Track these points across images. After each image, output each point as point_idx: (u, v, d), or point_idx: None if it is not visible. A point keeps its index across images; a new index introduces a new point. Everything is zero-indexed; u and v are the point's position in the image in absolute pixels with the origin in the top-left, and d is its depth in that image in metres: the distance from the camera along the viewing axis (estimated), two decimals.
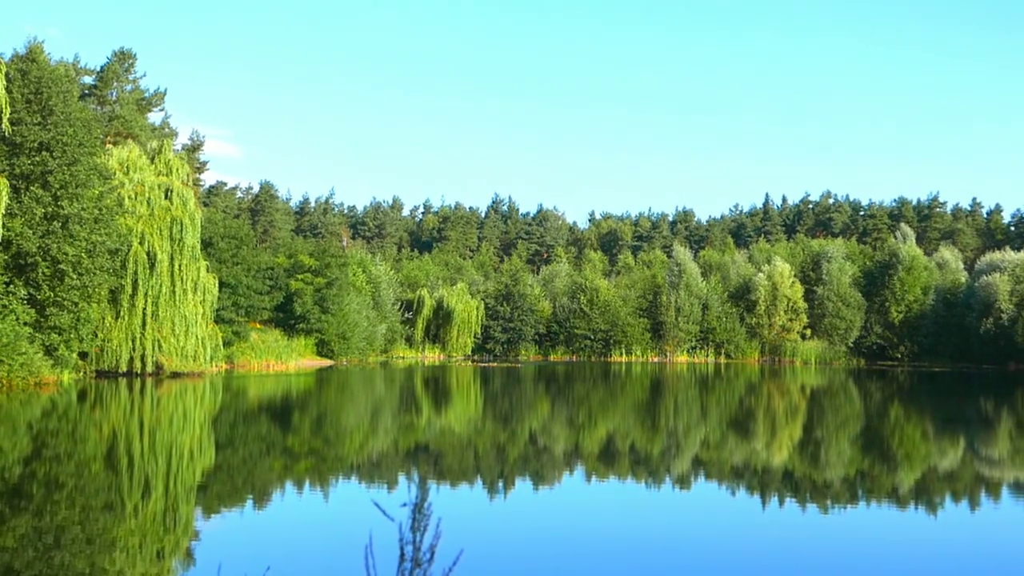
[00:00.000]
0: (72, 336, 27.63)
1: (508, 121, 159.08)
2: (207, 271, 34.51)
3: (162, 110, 52.91)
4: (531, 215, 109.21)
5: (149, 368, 31.36)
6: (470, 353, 66.19)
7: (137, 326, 30.86)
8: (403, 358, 61.09)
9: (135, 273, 30.79)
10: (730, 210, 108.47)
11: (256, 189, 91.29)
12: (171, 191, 33.12)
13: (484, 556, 8.67)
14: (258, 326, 44.48)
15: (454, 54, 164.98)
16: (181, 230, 32.13)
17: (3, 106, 24.40)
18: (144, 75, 53.98)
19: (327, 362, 48.94)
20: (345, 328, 50.16)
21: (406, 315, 63.94)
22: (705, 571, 8.67)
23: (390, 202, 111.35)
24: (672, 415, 25.86)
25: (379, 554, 2.64)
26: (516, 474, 14.60)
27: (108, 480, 12.69)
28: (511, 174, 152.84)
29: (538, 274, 79.89)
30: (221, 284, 36.65)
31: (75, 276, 26.75)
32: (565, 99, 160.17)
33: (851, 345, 70.84)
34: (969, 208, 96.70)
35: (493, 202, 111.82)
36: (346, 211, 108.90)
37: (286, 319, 47.38)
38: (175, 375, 32.20)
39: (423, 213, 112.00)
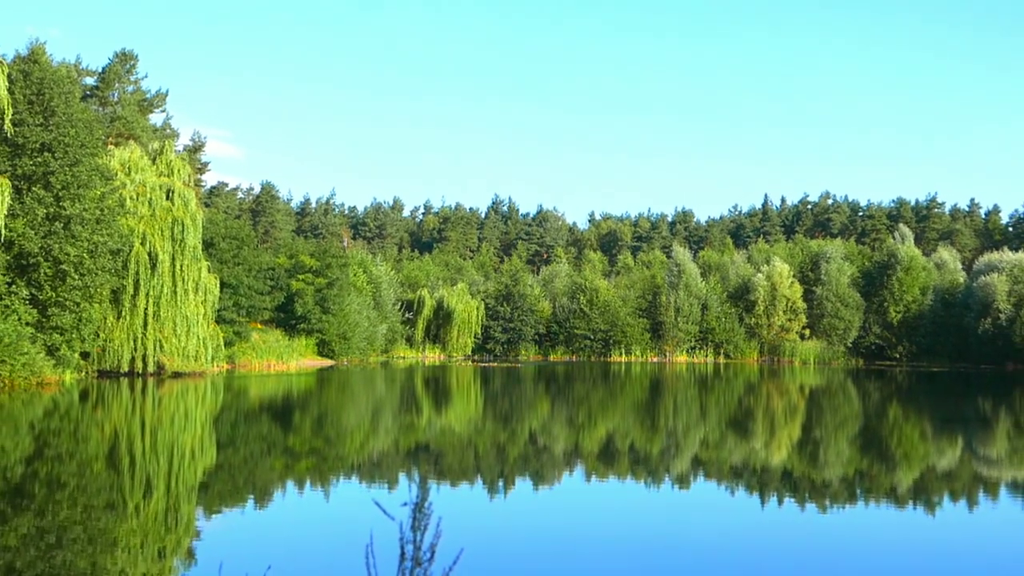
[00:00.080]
0: (74, 336, 27.70)
1: (508, 122, 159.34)
2: (208, 271, 34.58)
3: (163, 111, 52.99)
4: (531, 216, 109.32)
5: (151, 368, 31.44)
6: (470, 353, 66.25)
7: (139, 326, 30.94)
8: (404, 358, 61.15)
9: (137, 273, 30.87)
10: (729, 211, 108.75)
11: (257, 190, 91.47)
12: (172, 192, 33.20)
13: (484, 555, 8.70)
14: (259, 326, 44.56)
15: (454, 55, 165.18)
16: (182, 231, 32.20)
17: (5, 107, 24.48)
18: (146, 76, 54.16)
19: (328, 362, 49.01)
20: (346, 328, 50.24)
21: (407, 315, 64.02)
22: (704, 571, 8.70)
23: (391, 203, 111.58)
24: (671, 415, 25.91)
25: (380, 553, 2.68)
26: (516, 474, 14.64)
27: (110, 479, 12.73)
28: (511, 175, 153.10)
29: (538, 274, 79.97)
30: (222, 284, 36.72)
31: (77, 276, 26.82)
32: (565, 100, 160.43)
33: (850, 345, 70.90)
34: (967, 209, 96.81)
35: (493, 203, 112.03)
36: (347, 212, 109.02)
37: (287, 319, 47.45)
38: (176, 375, 32.26)
39: (423, 214, 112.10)
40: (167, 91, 52.77)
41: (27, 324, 25.83)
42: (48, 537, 8.87)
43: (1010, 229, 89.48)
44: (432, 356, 64.59)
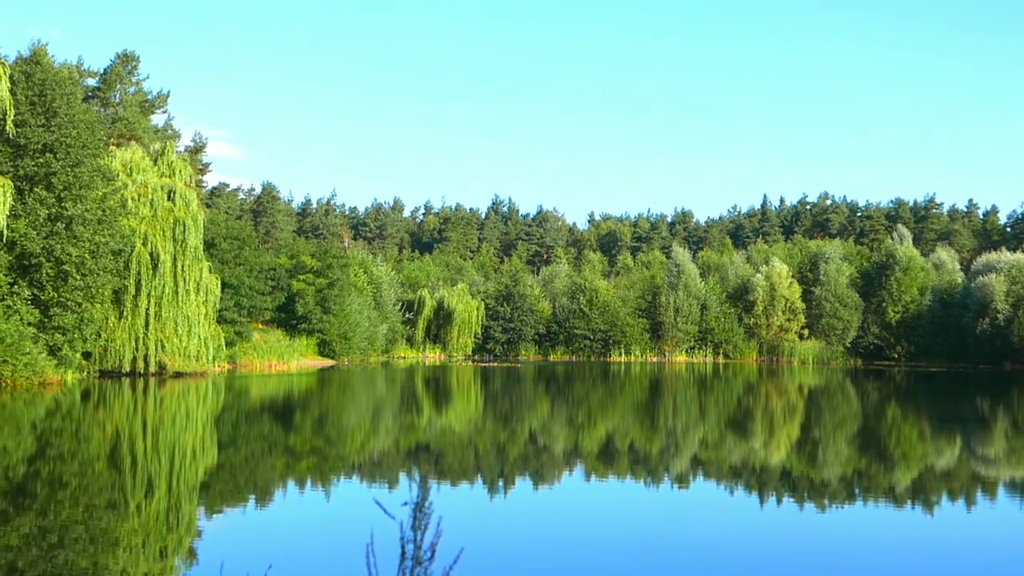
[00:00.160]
0: (76, 336, 27.76)
1: (508, 123, 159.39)
2: (210, 272, 34.64)
3: (165, 112, 53.03)
4: (531, 216, 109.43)
5: (152, 368, 31.50)
6: (470, 353, 66.31)
7: (140, 326, 31.01)
8: (404, 358, 61.20)
9: (138, 274, 30.94)
10: (728, 211, 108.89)
11: (258, 190, 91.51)
12: (174, 192, 33.26)
13: (484, 555, 8.72)
14: (260, 326, 44.63)
15: (455, 56, 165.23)
16: (184, 231, 32.26)
17: (7, 108, 24.54)
18: (147, 77, 54.06)
19: (329, 362, 49.06)
20: (347, 328, 50.31)
21: (407, 315, 64.09)
22: (704, 570, 8.73)
23: (391, 203, 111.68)
24: (671, 415, 25.95)
25: (380, 552, 2.69)
26: (516, 473, 14.68)
27: (111, 479, 12.75)
28: (511, 175, 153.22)
29: (538, 275, 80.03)
30: (223, 285, 36.78)
31: (79, 277, 26.89)
32: (565, 101, 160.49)
33: (848, 345, 70.97)
34: (965, 209, 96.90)
35: (493, 203, 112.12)
36: (347, 212, 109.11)
37: (288, 319, 47.52)
38: (178, 375, 32.32)
39: (424, 214, 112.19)
40: (168, 92, 52.83)
41: (29, 324, 25.88)
42: (50, 536, 8.89)
43: (1008, 229, 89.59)
44: (432, 356, 64.65)
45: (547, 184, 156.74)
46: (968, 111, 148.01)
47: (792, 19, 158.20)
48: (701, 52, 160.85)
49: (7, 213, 24.35)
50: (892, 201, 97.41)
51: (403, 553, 2.63)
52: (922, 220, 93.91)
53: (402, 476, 13.83)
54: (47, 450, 15.32)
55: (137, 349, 31.11)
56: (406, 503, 2.68)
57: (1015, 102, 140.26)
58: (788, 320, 70.09)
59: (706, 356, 70.18)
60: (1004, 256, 66.65)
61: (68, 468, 13.57)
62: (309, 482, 13.59)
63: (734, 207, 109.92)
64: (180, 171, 34.89)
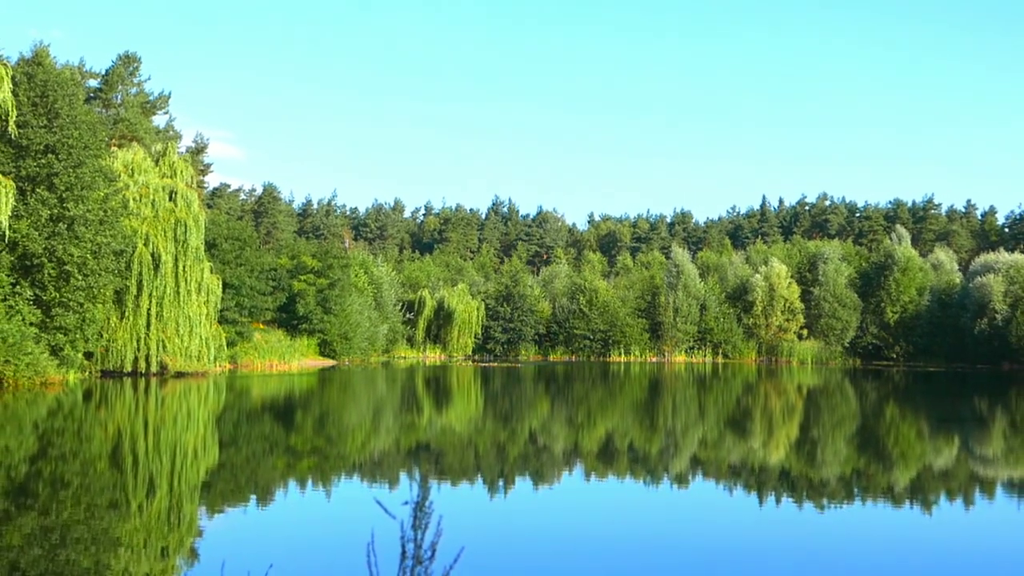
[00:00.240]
0: (77, 336, 27.83)
1: (508, 124, 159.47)
2: (211, 272, 34.72)
3: (166, 113, 53.12)
4: (531, 217, 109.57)
5: (153, 368, 31.57)
6: (471, 353, 66.37)
7: (142, 326, 31.09)
8: (404, 358, 61.27)
9: (140, 274, 31.01)
10: (727, 212, 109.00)
11: (259, 191, 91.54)
12: (175, 193, 33.33)
13: (485, 554, 8.76)
14: (261, 326, 44.70)
15: (455, 57, 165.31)
16: (185, 232, 32.34)
17: (9, 109, 24.61)
18: (149, 78, 54.21)
19: (329, 362, 49.13)
20: (347, 328, 50.39)
21: (407, 316, 64.16)
22: (703, 569, 8.76)
23: (391, 204, 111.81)
24: (670, 414, 26.01)
25: (381, 552, 2.71)
26: (516, 473, 14.72)
27: (113, 479, 12.78)
28: (511, 176, 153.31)
29: (538, 275, 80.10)
30: (225, 285, 36.86)
31: (80, 277, 26.96)
32: (564, 101, 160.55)
33: (847, 345, 71.04)
34: (964, 210, 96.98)
35: (493, 204, 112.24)
36: (348, 213, 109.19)
37: (289, 319, 47.60)
38: (179, 375, 32.37)
39: (424, 215, 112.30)
40: (170, 93, 52.92)
41: (31, 324, 25.94)
42: (52, 536, 8.91)
43: (1006, 230, 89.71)
44: (433, 356, 64.72)
45: (547, 185, 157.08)
46: (967, 112, 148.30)
47: (791, 20, 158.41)
48: (701, 53, 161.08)
49: (9, 214, 24.42)
50: (891, 202, 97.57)
51: (404, 552, 2.64)
52: (920, 221, 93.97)
53: (403, 476, 13.87)
54: (49, 450, 15.36)
55: (139, 349, 31.19)
56: (407, 502, 2.69)
57: (1014, 103, 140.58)
58: (787, 320, 70.17)
59: (705, 356, 70.25)
60: (1002, 256, 66.71)
61: (70, 468, 13.61)
62: (310, 482, 13.62)
63: (733, 208, 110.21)
64: (181, 172, 34.98)
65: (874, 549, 9.64)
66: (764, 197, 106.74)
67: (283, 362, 43.93)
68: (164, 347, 31.76)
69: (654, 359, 69.20)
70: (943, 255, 74.25)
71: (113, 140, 38.53)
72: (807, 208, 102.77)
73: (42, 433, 17.39)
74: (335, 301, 49.17)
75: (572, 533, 10.29)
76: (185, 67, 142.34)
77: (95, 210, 27.48)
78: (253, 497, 12.14)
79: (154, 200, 32.55)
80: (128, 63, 48.69)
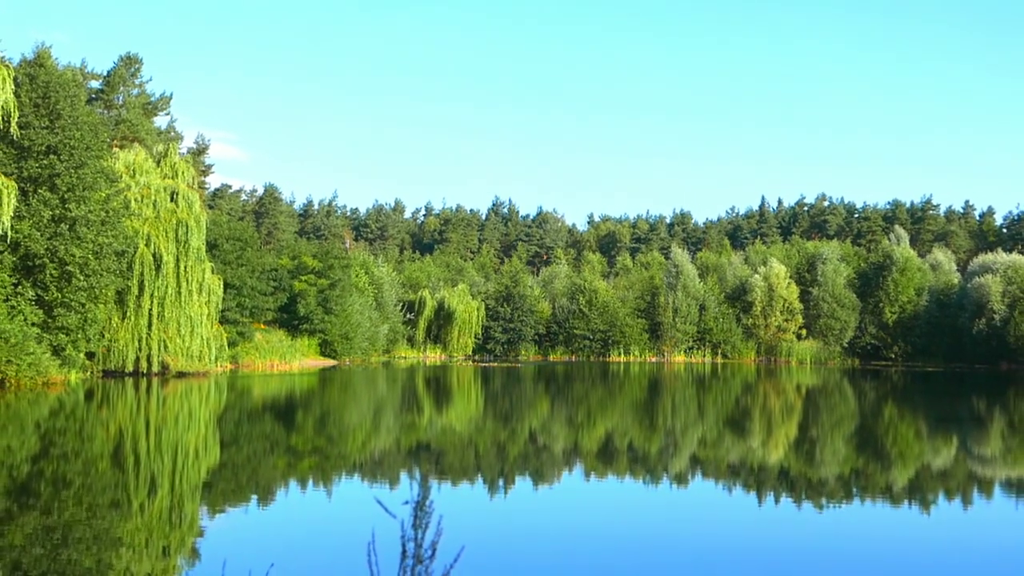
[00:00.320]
0: (79, 336, 27.90)
1: (508, 124, 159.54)
2: (212, 272, 34.80)
3: (168, 114, 53.18)
4: (531, 217, 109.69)
5: (155, 368, 31.64)
6: (471, 353, 66.45)
7: (143, 327, 31.16)
8: (405, 358, 61.34)
9: (141, 274, 31.09)
10: (727, 212, 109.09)
11: (260, 192, 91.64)
12: (177, 194, 33.41)
13: (485, 553, 8.79)
14: (262, 327, 44.78)
15: (455, 60, 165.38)
16: (186, 232, 32.41)
17: (12, 110, 24.68)
18: (150, 80, 54.31)
19: (330, 362, 49.20)
20: (348, 328, 50.47)
21: (408, 316, 64.24)
22: (703, 568, 8.80)
23: (392, 204, 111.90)
24: (670, 414, 26.07)
25: (381, 551, 2.71)
26: (516, 472, 14.77)
27: (115, 478, 12.81)
28: (511, 177, 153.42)
29: (538, 275, 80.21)
30: (226, 285, 36.94)
31: (82, 277, 27.04)
32: (564, 103, 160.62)
33: (846, 345, 71.14)
34: (962, 210, 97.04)
35: (493, 204, 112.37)
36: (349, 213, 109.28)
37: (290, 320, 47.69)
38: (180, 375, 32.44)
39: (425, 215, 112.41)
40: (171, 94, 52.99)
41: (33, 324, 26.02)
42: (54, 535, 8.94)
43: (1004, 231, 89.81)
44: (433, 356, 64.79)
45: (547, 185, 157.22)
46: (965, 113, 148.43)
47: (790, 22, 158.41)
48: (700, 54, 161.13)
49: (12, 214, 24.49)
50: (889, 202, 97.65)
51: (404, 551, 2.64)
52: (919, 221, 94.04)
53: (403, 475, 13.91)
54: (51, 449, 15.40)
55: (140, 349, 31.27)
56: (407, 502, 2.69)
57: (1012, 104, 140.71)
58: (786, 320, 70.26)
59: (704, 356, 70.33)
60: (1000, 257, 66.80)
61: (72, 467, 13.64)
62: (311, 481, 13.66)
63: (732, 208, 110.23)
64: (183, 173, 35.07)
65: (873, 548, 9.67)
66: (763, 198, 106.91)
67: (284, 362, 44.01)
68: (165, 347, 31.84)
69: (653, 359, 69.27)
70: (941, 255, 74.35)
71: (115, 141, 38.61)
72: (806, 209, 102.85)
73: (44, 433, 17.43)
74: (336, 301, 49.26)
75: (572, 532, 10.33)
76: (186, 68, 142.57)
77: (97, 211, 27.56)
78: (254, 496, 12.18)
79: (155, 201, 32.62)
80: (130, 64, 48.76)
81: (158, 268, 31.51)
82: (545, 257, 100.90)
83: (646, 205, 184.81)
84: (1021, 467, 17.22)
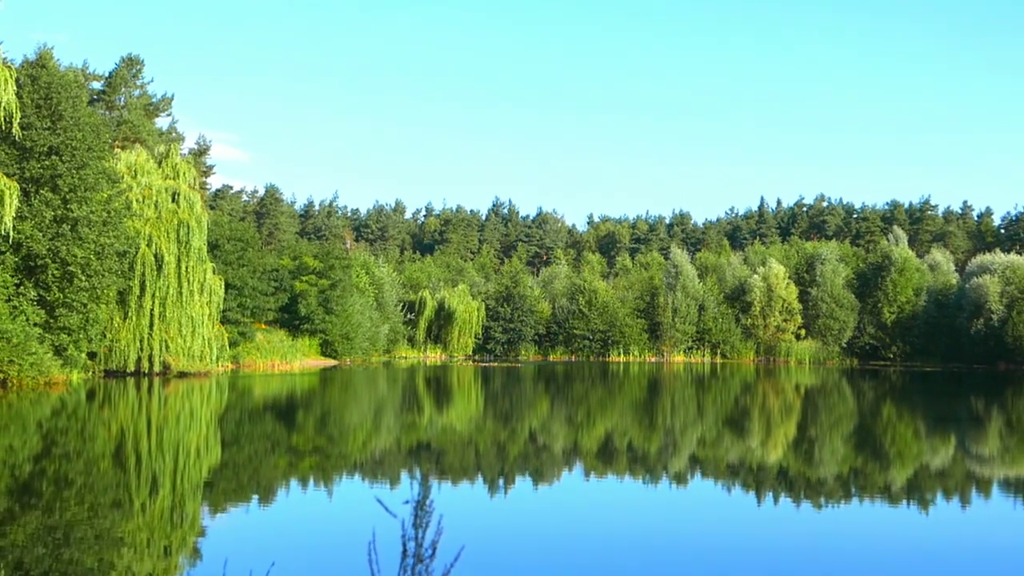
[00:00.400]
0: (81, 336, 27.97)
1: (508, 125, 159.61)
2: (213, 273, 34.87)
3: (169, 115, 53.22)
4: (531, 218, 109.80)
5: (156, 368, 31.71)
6: (471, 353, 66.52)
7: (145, 327, 31.24)
8: (405, 358, 61.41)
9: (143, 275, 31.17)
10: (726, 213, 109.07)
11: (261, 192, 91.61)
12: (178, 194, 33.49)
13: (485, 552, 8.83)
14: (263, 327, 44.86)
15: (455, 60, 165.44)
16: (188, 233, 32.49)
17: (14, 111, 24.73)
18: (152, 81, 54.50)
19: (331, 362, 49.28)
20: (348, 329, 50.54)
21: (408, 316, 64.33)
22: (702, 567, 8.84)
23: (393, 205, 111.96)
24: (669, 414, 26.14)
25: (382, 550, 2.72)
26: (516, 472, 14.84)
27: (116, 478, 12.86)
28: (511, 178, 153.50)
29: (538, 276, 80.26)
30: (227, 285, 37.00)
31: (84, 278, 27.11)
32: (564, 104, 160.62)
33: (844, 345, 71.23)
34: (960, 211, 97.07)
35: (494, 205, 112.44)
36: (349, 214, 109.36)
37: (291, 320, 47.77)
38: (182, 375, 32.51)
39: (425, 216, 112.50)
40: (173, 95, 53.04)
41: (35, 325, 26.09)
42: (56, 534, 8.98)
43: (1002, 231, 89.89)
44: (433, 356, 64.87)
45: (547, 186, 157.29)
46: (963, 114, 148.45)
47: (789, 22, 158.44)
48: (699, 55, 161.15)
49: (13, 215, 24.53)
50: (888, 203, 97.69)
51: (405, 551, 2.65)
52: (917, 222, 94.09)
53: (403, 475, 13.97)
54: (53, 449, 15.46)
55: (142, 349, 31.34)
56: (407, 501, 2.70)
57: (1010, 105, 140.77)
58: (785, 320, 70.36)
59: (704, 356, 70.41)
60: (998, 257, 66.88)
61: (73, 467, 13.70)
62: (312, 480, 13.71)
63: (731, 209, 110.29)
64: (184, 173, 35.15)
65: (871, 547, 9.72)
66: (762, 198, 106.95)
67: (285, 362, 44.10)
68: (167, 347, 31.91)
69: (653, 359, 69.35)
70: (940, 256, 74.43)
71: (116, 142, 38.72)
72: (805, 209, 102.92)
73: (46, 432, 17.49)
74: (336, 302, 49.34)
75: (572, 531, 10.38)
76: (188, 70, 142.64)
77: (98, 211, 27.63)
78: (255, 496, 12.22)
79: (157, 201, 32.69)
80: (131, 65, 48.82)
81: (159, 268, 31.59)
82: (545, 257, 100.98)
83: (645, 205, 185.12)
84: (1019, 466, 17.30)
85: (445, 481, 13.22)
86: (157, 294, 31.44)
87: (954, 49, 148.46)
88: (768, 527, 10.84)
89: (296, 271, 48.73)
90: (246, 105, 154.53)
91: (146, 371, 31.53)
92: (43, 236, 26.40)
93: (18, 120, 25.24)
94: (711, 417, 25.53)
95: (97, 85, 48.00)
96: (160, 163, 34.99)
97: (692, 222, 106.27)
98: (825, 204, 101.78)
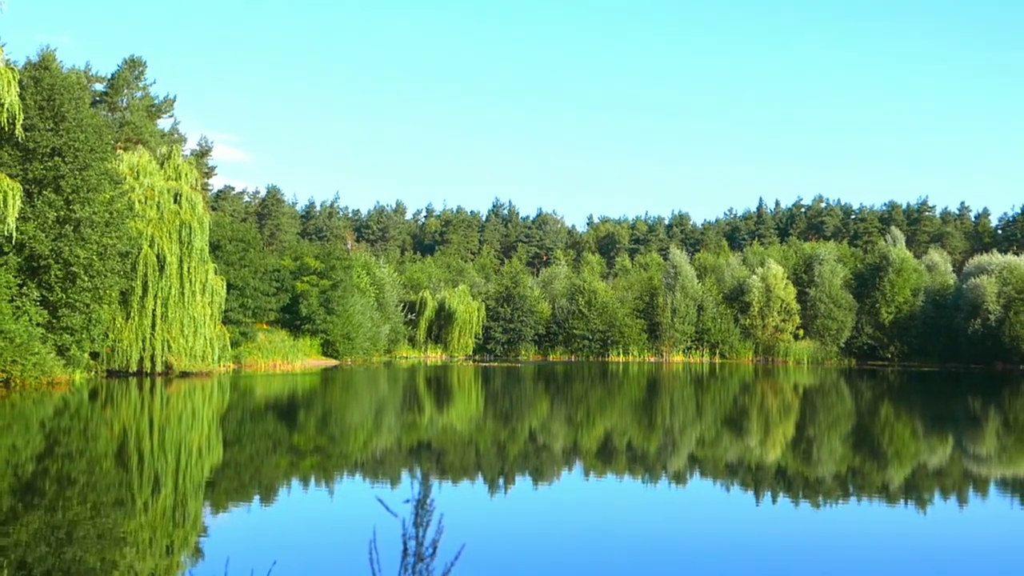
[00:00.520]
0: (84, 337, 28.06)
1: (508, 126, 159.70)
2: (215, 273, 34.97)
3: (171, 116, 53.38)
4: (531, 219, 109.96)
5: (159, 368, 31.79)
6: (471, 353, 66.62)
7: (147, 327, 31.34)
8: (406, 358, 61.51)
9: (145, 275, 31.27)
10: (725, 214, 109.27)
11: (263, 193, 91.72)
12: (180, 195, 33.58)
13: (485, 551, 8.88)
14: (265, 327, 44.96)
15: (455, 61, 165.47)
16: (190, 233, 32.59)
17: (17, 112, 24.81)
18: (154, 82, 54.59)
19: (332, 362, 49.37)
20: (349, 329, 50.65)
21: (409, 316, 64.44)
22: (701, 565, 8.90)
23: (393, 206, 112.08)
24: (668, 414, 26.21)
25: (383, 549, 2.73)
26: (516, 471, 14.91)
27: (119, 477, 12.91)
28: (511, 178, 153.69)
29: (538, 276, 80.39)
30: (229, 286, 37.09)
31: (87, 278, 27.20)
32: (564, 104, 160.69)
33: (842, 345, 71.37)
34: (957, 212, 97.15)
35: (494, 206, 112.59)
36: (350, 215, 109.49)
37: (292, 320, 47.88)
38: (184, 375, 32.60)
39: (425, 217, 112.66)
40: (175, 97, 53.17)
41: (38, 325, 26.17)
42: (58, 533, 9.03)
43: (999, 232, 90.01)
44: (434, 356, 64.96)
45: (547, 187, 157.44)
46: (961, 115, 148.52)
47: (788, 24, 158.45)
48: (699, 56, 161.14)
49: (16, 216, 24.62)
50: (885, 204, 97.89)
51: (405, 549, 2.66)
52: (915, 223, 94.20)
53: (404, 474, 14.04)
54: (55, 448, 15.53)
55: (144, 349, 31.44)
56: (408, 500, 2.70)
57: (1007, 106, 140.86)
58: (783, 321, 70.48)
59: (703, 356, 70.53)
60: (995, 258, 67.01)
61: (76, 466, 13.76)
62: (313, 480, 13.77)
63: (730, 210, 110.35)
64: (186, 174, 35.24)
65: (869, 546, 9.78)
66: (761, 199, 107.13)
67: (286, 362, 44.21)
68: (169, 347, 32.01)
69: (652, 359, 69.44)
70: (937, 256, 74.55)
71: (119, 143, 38.83)
72: (803, 210, 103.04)
73: (49, 432, 17.56)
74: (337, 302, 49.45)
75: (572, 530, 10.45)
76: (190, 71, 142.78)
77: (101, 212, 27.72)
78: (257, 495, 12.27)
79: (159, 202, 32.79)
80: (134, 67, 48.93)
81: (162, 269, 31.70)
82: (545, 258, 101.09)
83: (645, 206, 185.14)
84: (1015, 466, 17.38)
85: (445, 480, 13.29)
86: (159, 294, 31.54)
87: (952, 50, 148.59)
88: (766, 526, 10.90)
89: (297, 272, 48.84)
90: (247, 106, 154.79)
91: (148, 371, 31.62)
92: (46, 237, 26.50)
93: (21, 121, 25.30)
94: (710, 417, 25.60)
95: (100, 87, 48.11)
96: (162, 164, 35.09)
97: (691, 223, 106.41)
98: (823, 205, 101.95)
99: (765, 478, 14.79)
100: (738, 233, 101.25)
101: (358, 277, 56.18)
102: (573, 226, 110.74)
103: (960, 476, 15.41)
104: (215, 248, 38.25)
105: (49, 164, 27.00)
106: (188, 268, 32.48)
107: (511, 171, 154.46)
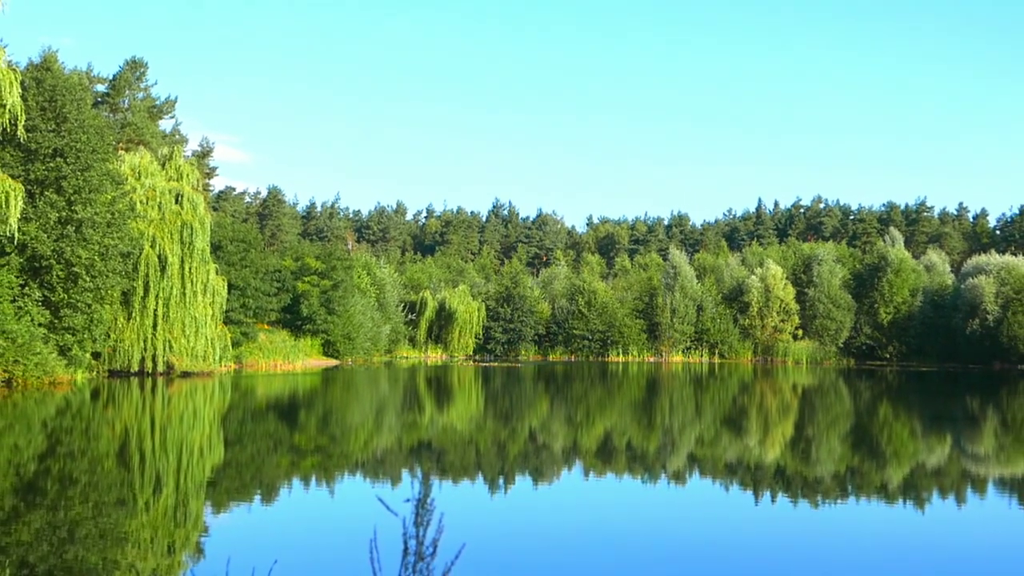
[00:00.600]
0: (85, 337, 28.13)
1: (508, 127, 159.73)
2: (216, 274, 35.04)
3: (173, 117, 53.38)
4: (531, 219, 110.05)
5: (160, 368, 31.85)
6: (472, 353, 66.69)
7: (148, 327, 31.41)
8: (407, 358, 61.59)
9: (146, 276, 31.34)
10: (724, 214, 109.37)
11: (264, 194, 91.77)
12: (181, 196, 33.65)
13: (485, 550, 8.91)
14: (266, 327, 45.05)
15: (455, 62, 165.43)
16: (191, 234, 32.66)
17: (19, 113, 24.89)
18: (155, 83, 54.45)
19: (333, 362, 49.45)
20: (350, 329, 50.73)
21: (409, 316, 64.53)
22: (700, 565, 8.94)
23: (394, 207, 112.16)
24: (667, 413, 26.27)
25: (383, 548, 2.74)
26: (516, 470, 14.96)
27: (120, 476, 12.97)
28: (511, 179, 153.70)
29: (538, 276, 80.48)
30: (230, 286, 37.17)
31: (88, 278, 27.27)
32: (564, 106, 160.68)
33: (841, 345, 71.46)
34: (956, 212, 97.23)
35: (494, 207, 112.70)
36: (351, 215, 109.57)
37: (293, 320, 47.96)
38: (185, 375, 32.66)
39: (426, 217, 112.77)
40: (176, 98, 53.29)
41: (40, 325, 26.22)
42: (60, 532, 9.07)
43: (997, 232, 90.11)
44: (434, 356, 65.04)
45: (546, 188, 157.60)
46: (959, 116, 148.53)
47: (787, 25, 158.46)
48: (699, 55, 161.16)
49: (19, 216, 24.71)
50: (884, 204, 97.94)
51: (406, 549, 2.66)
52: (913, 223, 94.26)
53: (404, 473, 14.10)
54: (57, 448, 15.58)
55: (145, 349, 31.51)
56: (408, 500, 2.70)
57: (1005, 107, 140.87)
58: (782, 321, 70.59)
59: (702, 356, 70.63)
60: (993, 258, 67.12)
61: (78, 465, 13.81)
62: (314, 479, 13.82)
63: (729, 210, 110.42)
64: (187, 175, 35.31)
65: (868, 545, 9.83)
66: (760, 200, 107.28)
67: (287, 362, 44.29)
68: (170, 347, 32.09)
69: (651, 359, 69.52)
70: (936, 257, 74.65)
71: (120, 144, 38.91)
72: (802, 211, 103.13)
73: (51, 431, 17.61)
74: (338, 302, 49.54)
75: (571, 530, 10.49)
76: (191, 72, 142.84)
77: (103, 213, 27.79)
78: (258, 494, 12.32)
79: (160, 203, 32.86)
80: (135, 68, 49.00)
81: (163, 269, 31.78)
82: (545, 258, 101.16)
83: (644, 207, 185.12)
84: (1014, 465, 17.43)
85: (446, 480, 13.34)
86: (161, 295, 31.62)
87: (951, 51, 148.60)
88: (766, 526, 10.95)
89: (298, 272, 48.93)
90: (249, 107, 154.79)
91: (150, 371, 31.68)
92: (48, 237, 26.57)
93: (23, 122, 25.38)
94: (709, 417, 25.66)
95: (101, 88, 48.15)
96: (163, 165, 35.16)
97: (690, 223, 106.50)
98: (822, 205, 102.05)
99: (764, 478, 14.83)
100: (737, 233, 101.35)
101: (359, 277, 56.28)
102: (573, 226, 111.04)
103: (958, 476, 15.45)
104: (216, 248, 38.33)
105: (51, 165, 27.07)
106: (189, 268, 32.56)
107: (511, 171, 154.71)
